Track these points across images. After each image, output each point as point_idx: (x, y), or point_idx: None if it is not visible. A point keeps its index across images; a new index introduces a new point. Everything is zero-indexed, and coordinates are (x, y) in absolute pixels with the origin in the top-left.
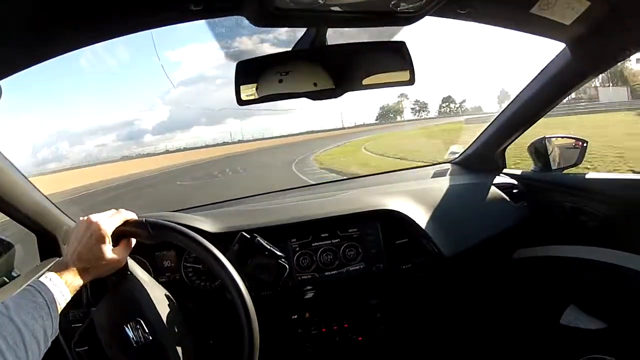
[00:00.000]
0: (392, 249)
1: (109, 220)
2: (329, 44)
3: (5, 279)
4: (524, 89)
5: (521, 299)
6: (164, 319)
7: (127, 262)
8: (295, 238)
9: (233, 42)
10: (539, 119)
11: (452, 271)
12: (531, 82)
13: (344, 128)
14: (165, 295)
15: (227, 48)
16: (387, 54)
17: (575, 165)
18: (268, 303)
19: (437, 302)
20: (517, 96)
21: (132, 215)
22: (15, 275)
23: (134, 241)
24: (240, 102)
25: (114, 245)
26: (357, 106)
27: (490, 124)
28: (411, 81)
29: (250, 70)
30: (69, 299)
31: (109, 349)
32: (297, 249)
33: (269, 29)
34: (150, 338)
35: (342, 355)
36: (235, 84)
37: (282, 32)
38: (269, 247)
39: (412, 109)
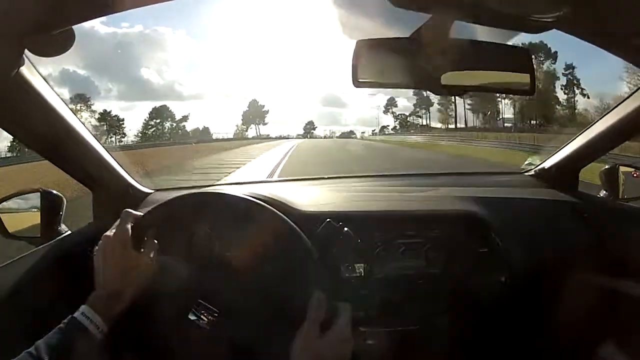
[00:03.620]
0: (475, 258)
1: (120, 228)
2: (452, 37)
3: (52, 234)
4: (610, 110)
5: (570, 323)
6: (223, 292)
7: (162, 259)
8: (380, 232)
9: (355, 19)
10: (623, 142)
11: (522, 290)
12: (620, 104)
13: None
14: (213, 269)
15: (346, 23)
16: (510, 59)
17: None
18: (340, 296)
19: (502, 318)
20: (602, 117)
21: (139, 213)
22: (64, 231)
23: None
24: (357, 83)
25: (138, 250)
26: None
27: (571, 141)
28: (532, 91)
29: (369, 52)
30: (106, 329)
31: (171, 343)
32: (380, 243)
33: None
34: (217, 312)
35: (403, 358)
36: (353, 64)
37: (405, 16)
38: (357, 240)
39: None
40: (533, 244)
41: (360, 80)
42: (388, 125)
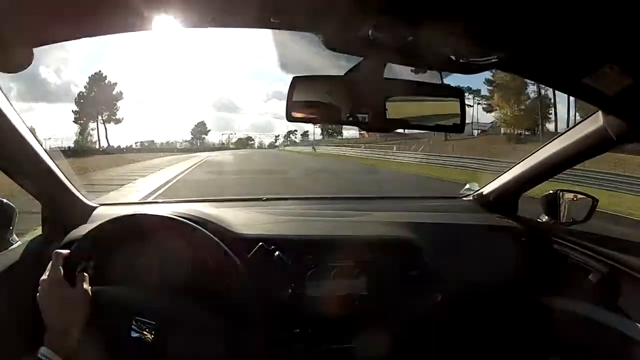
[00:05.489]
0: (404, 280)
1: (52, 270)
2: (385, 77)
3: (4, 244)
4: (551, 141)
5: (513, 345)
6: (156, 305)
7: (93, 289)
8: (312, 255)
9: (296, 56)
10: (560, 172)
11: (455, 311)
12: (559, 136)
13: None
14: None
15: (285, 60)
16: (441, 98)
17: (582, 222)
18: (274, 314)
19: (436, 339)
20: (543, 147)
21: (64, 250)
22: (14, 242)
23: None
24: (290, 117)
25: (73, 286)
26: None
27: (511, 167)
28: (461, 129)
29: (304, 88)
30: None
31: None
32: (312, 265)
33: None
34: (154, 323)
35: None
36: (288, 99)
37: (342, 56)
38: (288, 263)
39: None
40: (468, 266)
41: (294, 115)
42: (296, 131)
